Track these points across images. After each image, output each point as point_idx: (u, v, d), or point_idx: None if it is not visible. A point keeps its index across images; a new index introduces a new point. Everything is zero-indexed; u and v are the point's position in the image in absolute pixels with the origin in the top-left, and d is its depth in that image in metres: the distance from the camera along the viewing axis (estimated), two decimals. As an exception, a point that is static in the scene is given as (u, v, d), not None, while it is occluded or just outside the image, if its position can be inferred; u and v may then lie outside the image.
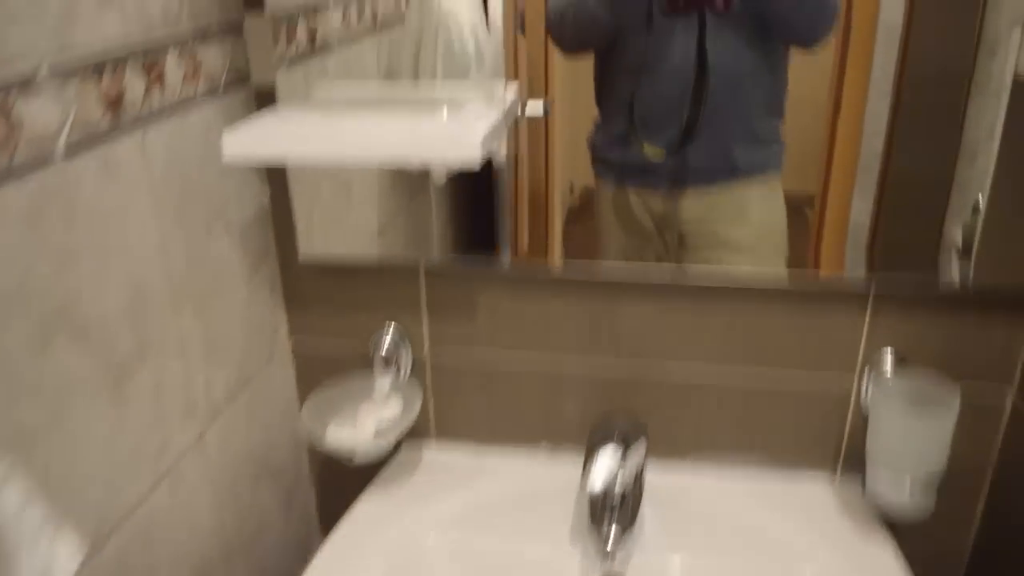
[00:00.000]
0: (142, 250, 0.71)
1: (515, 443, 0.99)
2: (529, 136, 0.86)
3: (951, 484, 0.83)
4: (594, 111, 0.86)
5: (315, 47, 0.86)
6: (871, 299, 0.85)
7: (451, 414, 0.99)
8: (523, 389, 0.96)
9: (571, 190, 0.90)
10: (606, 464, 0.80)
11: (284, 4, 0.83)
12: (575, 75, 0.85)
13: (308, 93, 0.86)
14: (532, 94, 0.83)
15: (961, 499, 0.92)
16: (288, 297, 0.97)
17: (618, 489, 0.79)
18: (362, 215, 0.94)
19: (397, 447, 0.98)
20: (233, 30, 0.82)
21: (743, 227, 0.87)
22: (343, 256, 0.93)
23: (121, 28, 0.66)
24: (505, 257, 0.90)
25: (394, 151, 0.74)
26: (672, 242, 0.88)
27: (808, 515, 0.88)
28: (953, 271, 0.82)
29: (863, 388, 0.88)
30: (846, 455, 0.92)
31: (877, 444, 0.83)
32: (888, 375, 0.86)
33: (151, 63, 0.70)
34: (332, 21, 0.87)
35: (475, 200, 0.90)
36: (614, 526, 0.79)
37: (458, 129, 0.73)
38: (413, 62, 0.87)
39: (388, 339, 0.95)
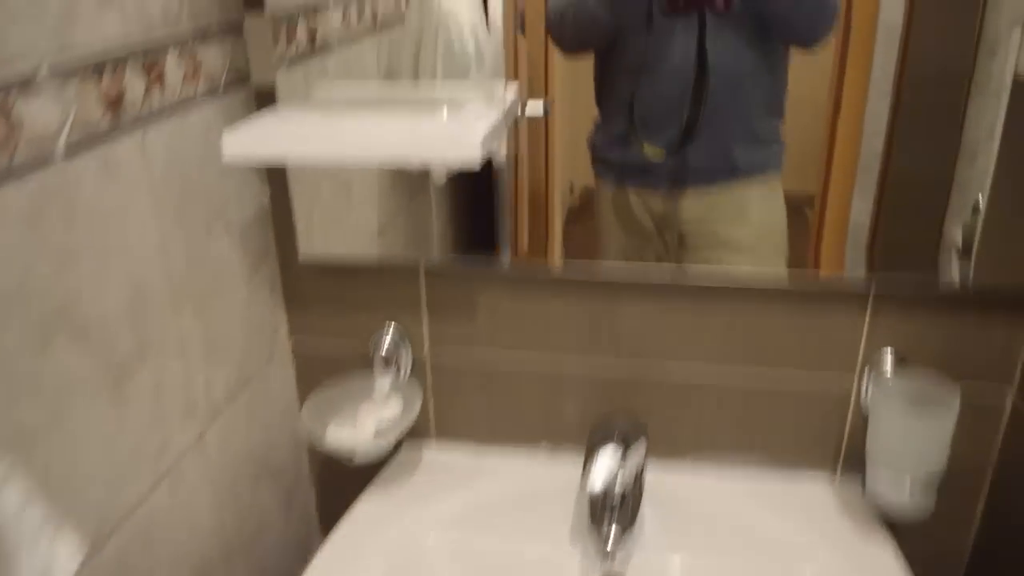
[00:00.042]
0: (142, 250, 0.71)
1: (515, 443, 0.99)
2: (529, 136, 0.86)
3: (951, 484, 0.83)
4: (594, 111, 0.86)
5: (315, 47, 0.86)
6: (871, 299, 0.85)
7: (451, 414, 0.99)
8: (523, 389, 0.96)
9: (571, 190, 0.90)
10: (606, 464, 0.80)
11: (284, 4, 0.83)
12: (575, 75, 0.85)
13: (308, 93, 0.86)
14: (532, 94, 0.83)
15: (961, 499, 0.92)
16: (288, 297, 0.97)
17: (618, 489, 0.79)
18: (362, 215, 0.94)
19: (397, 447, 0.98)
20: (233, 30, 0.82)
21: (743, 227, 0.87)
22: (343, 256, 0.93)
23: (121, 28, 0.66)
24: (505, 257, 0.90)
25: (394, 151, 0.74)
26: (672, 242, 0.88)
27: (808, 515, 0.88)
28: (953, 271, 0.82)
29: (863, 388, 0.88)
30: (846, 455, 0.92)
31: (877, 444, 0.83)
32: (888, 375, 0.86)
33: (151, 63, 0.70)
34: (332, 21, 0.87)
35: (475, 200, 0.90)
36: (614, 526, 0.79)
37: (458, 129, 0.73)
38: (413, 62, 0.87)
39: (388, 339, 0.95)
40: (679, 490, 0.91)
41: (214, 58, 0.79)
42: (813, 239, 0.85)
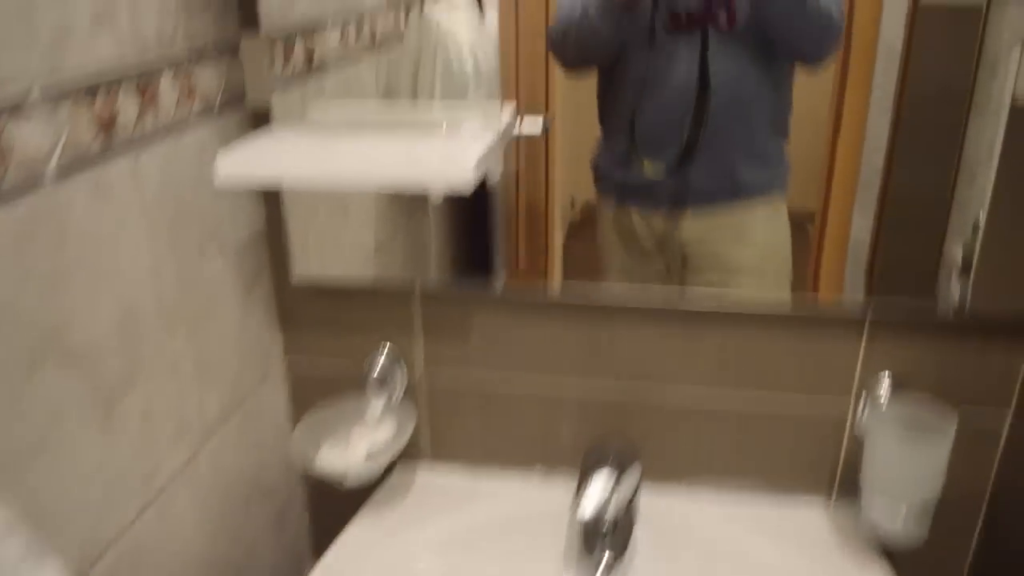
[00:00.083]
0: (134, 272, 0.70)
1: (510, 464, 0.98)
2: (529, 153, 0.85)
3: (948, 510, 0.82)
4: (595, 126, 0.85)
5: (312, 67, 0.86)
6: (867, 324, 0.85)
7: (447, 435, 0.99)
8: (519, 411, 0.95)
9: (572, 204, 0.89)
10: (598, 490, 0.79)
11: (281, 24, 0.83)
12: (576, 91, 0.85)
13: (304, 114, 0.86)
14: (532, 111, 0.83)
15: (958, 525, 0.91)
16: (283, 317, 0.96)
17: (610, 515, 0.79)
18: (358, 235, 0.94)
19: (391, 468, 0.97)
20: (229, 50, 0.82)
21: (746, 249, 0.87)
22: (338, 277, 0.93)
23: (115, 50, 0.66)
24: (500, 280, 0.90)
25: (387, 176, 0.73)
26: (675, 263, 0.87)
27: (803, 541, 0.88)
28: (953, 291, 0.81)
29: (859, 413, 0.88)
30: (842, 480, 0.92)
31: (872, 472, 0.82)
32: (884, 401, 0.85)
33: (145, 85, 0.70)
34: (330, 41, 0.87)
35: (473, 220, 0.90)
36: (606, 552, 0.79)
37: (452, 153, 0.73)
38: (412, 81, 0.87)
39: (382, 360, 0.94)
40: (673, 514, 0.91)
41: (209, 79, 0.79)
42: (813, 256, 0.84)
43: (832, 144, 0.81)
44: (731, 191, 0.85)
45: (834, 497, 0.93)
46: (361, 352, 0.95)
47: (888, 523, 0.81)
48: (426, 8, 0.86)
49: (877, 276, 0.83)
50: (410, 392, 0.96)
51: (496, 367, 0.94)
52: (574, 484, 0.84)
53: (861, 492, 0.84)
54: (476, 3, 0.83)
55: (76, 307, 0.63)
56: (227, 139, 0.82)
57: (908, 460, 0.79)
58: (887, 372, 0.86)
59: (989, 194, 0.78)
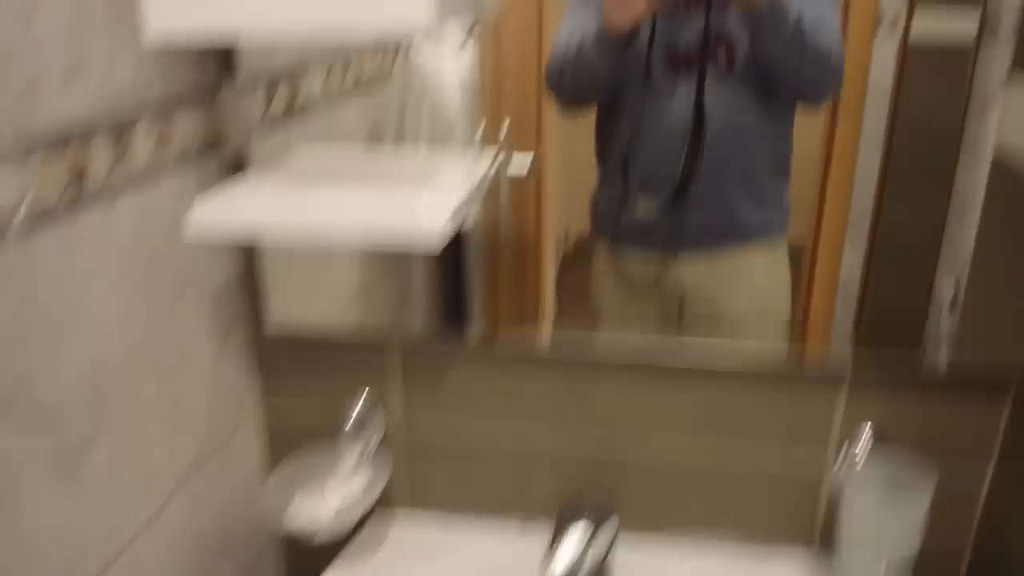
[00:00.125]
0: (103, 324, 0.69)
1: (488, 513, 0.97)
2: (518, 193, 0.85)
3: (929, 564, 0.81)
4: (592, 159, 0.85)
5: (294, 110, 0.86)
6: (850, 380, 0.84)
7: (424, 482, 0.97)
8: (497, 461, 0.94)
9: (566, 237, 0.88)
10: (571, 547, 0.78)
11: (262, 68, 0.82)
12: (574, 124, 0.85)
13: (282, 160, 0.85)
14: (522, 148, 0.82)
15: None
16: (259, 366, 0.95)
17: (583, 573, 0.77)
18: (337, 283, 0.93)
19: (367, 517, 0.95)
20: (208, 94, 0.81)
21: (744, 294, 0.86)
22: (316, 325, 0.92)
23: (89, 100, 0.65)
24: (477, 331, 0.89)
25: (356, 232, 0.71)
26: (671, 308, 0.86)
27: (782, 597, 0.86)
28: (941, 331, 0.81)
29: (838, 467, 0.87)
30: (821, 532, 0.91)
31: (849, 529, 0.81)
32: (860, 460, 0.84)
33: (120, 133, 0.69)
34: (313, 84, 0.86)
35: (454, 268, 0.89)
36: (581, 609, 0.77)
37: (425, 207, 0.70)
38: (398, 122, 0.86)
39: (358, 411, 0.93)
40: (651, 569, 0.89)
41: (187, 124, 0.78)
42: (803, 295, 0.84)
43: (823, 180, 0.80)
44: (729, 233, 0.84)
45: (815, 549, 0.91)
46: (338, 401, 0.94)
47: (867, 581, 0.80)
48: (412, 50, 0.86)
49: (866, 321, 0.82)
50: (389, 439, 0.95)
51: (475, 416, 0.93)
52: (551, 536, 0.83)
53: (838, 548, 0.83)
54: (463, 44, 0.83)
55: (40, 361, 0.62)
56: (205, 185, 0.81)
57: (885, 520, 0.78)
58: (868, 424, 0.85)
59: (973, 237, 0.78)
